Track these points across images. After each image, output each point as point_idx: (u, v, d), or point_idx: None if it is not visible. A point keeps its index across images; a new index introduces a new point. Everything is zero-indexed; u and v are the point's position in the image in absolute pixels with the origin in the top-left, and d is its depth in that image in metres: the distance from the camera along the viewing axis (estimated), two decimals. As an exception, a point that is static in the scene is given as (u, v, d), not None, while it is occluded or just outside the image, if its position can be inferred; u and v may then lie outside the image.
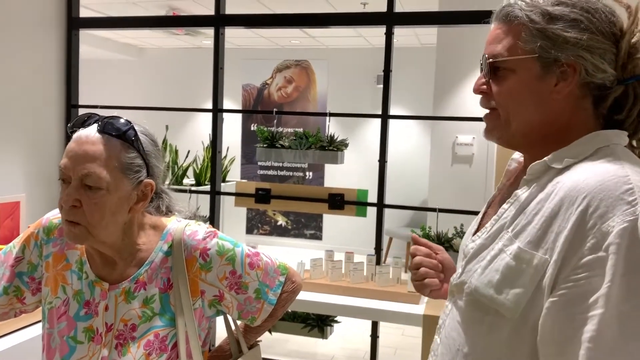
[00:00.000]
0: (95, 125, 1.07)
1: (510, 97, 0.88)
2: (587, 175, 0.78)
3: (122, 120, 1.08)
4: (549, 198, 0.80)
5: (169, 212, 1.22)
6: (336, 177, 6.68)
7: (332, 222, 6.90)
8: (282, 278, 1.24)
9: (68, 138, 2.90)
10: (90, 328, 1.11)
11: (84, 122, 1.08)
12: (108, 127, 1.06)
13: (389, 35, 2.78)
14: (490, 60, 0.88)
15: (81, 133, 1.06)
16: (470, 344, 0.87)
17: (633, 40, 0.83)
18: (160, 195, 1.20)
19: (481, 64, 0.92)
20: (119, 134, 1.06)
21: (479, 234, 0.92)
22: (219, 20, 2.99)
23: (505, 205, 0.89)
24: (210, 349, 1.33)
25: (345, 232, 6.60)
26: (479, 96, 0.94)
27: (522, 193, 0.87)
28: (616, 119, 0.87)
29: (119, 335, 1.10)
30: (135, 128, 1.09)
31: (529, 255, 0.79)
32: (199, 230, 1.16)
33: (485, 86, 0.91)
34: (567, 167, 0.83)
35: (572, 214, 0.76)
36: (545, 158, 0.85)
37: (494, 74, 0.89)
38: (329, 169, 6.87)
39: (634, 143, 0.89)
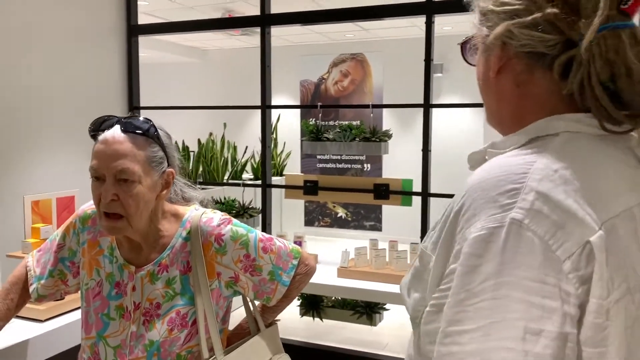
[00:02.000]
0: (117, 126, 1.19)
1: (478, 83, 0.80)
2: (480, 170, 0.67)
3: (141, 119, 1.21)
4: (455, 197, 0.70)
5: (184, 198, 1.35)
6: (395, 168, 6.68)
7: (391, 213, 6.92)
8: (295, 261, 1.34)
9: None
10: (120, 306, 1.25)
11: (102, 123, 1.21)
12: (131, 126, 1.19)
13: (429, 25, 2.79)
14: (464, 41, 0.83)
15: (106, 135, 1.18)
16: (413, 343, 0.79)
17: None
18: (175, 183, 1.32)
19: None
20: (143, 132, 1.19)
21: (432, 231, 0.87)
22: (264, 20, 3.12)
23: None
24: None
25: (403, 223, 6.59)
26: None
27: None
28: (570, 95, 0.69)
29: (146, 312, 1.23)
30: (155, 125, 1.22)
31: (427, 258, 0.71)
32: (214, 217, 1.28)
33: None
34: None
35: (452, 214, 0.66)
36: (485, 146, 0.75)
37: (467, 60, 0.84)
38: (387, 160, 6.88)
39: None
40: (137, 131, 1.19)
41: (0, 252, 2.03)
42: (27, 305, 2.00)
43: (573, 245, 0.58)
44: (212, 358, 1.24)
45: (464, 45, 0.83)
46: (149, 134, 1.20)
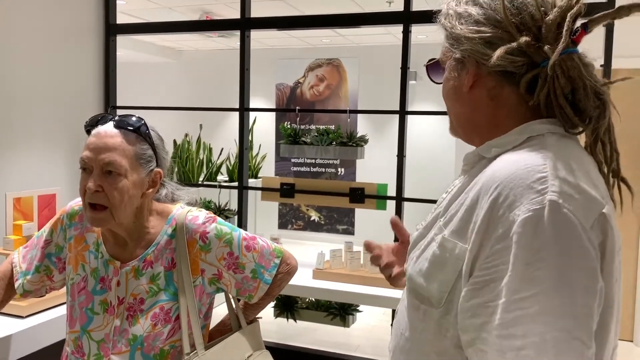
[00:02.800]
0: (111, 122, 1.24)
1: (445, 95, 0.94)
2: (504, 164, 0.78)
3: (134, 118, 1.25)
4: (473, 188, 0.81)
5: (172, 199, 1.37)
6: (368, 172, 6.77)
7: (363, 217, 7.00)
8: (277, 260, 1.38)
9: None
10: (104, 301, 1.27)
11: (98, 121, 1.25)
12: (124, 123, 1.23)
13: (406, 34, 2.87)
14: (428, 63, 0.98)
15: (99, 129, 1.23)
16: (410, 329, 0.89)
17: (513, 20, 0.82)
18: (164, 184, 1.36)
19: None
20: (134, 129, 1.23)
21: (422, 223, 0.95)
22: (244, 24, 3.15)
23: (443, 195, 0.93)
24: None
25: (376, 227, 6.68)
26: None
27: (458, 183, 0.90)
28: (537, 106, 0.84)
29: (129, 307, 1.25)
30: (147, 124, 1.25)
31: (451, 245, 0.81)
32: (199, 215, 1.31)
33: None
34: (496, 157, 0.83)
35: (485, 202, 0.76)
36: (477, 148, 0.88)
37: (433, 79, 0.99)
38: (361, 165, 6.97)
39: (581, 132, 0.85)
40: (129, 127, 1.22)
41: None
42: (11, 301, 2.00)
43: (593, 216, 0.73)
44: (193, 352, 1.26)
45: (430, 66, 0.98)
46: (140, 132, 1.24)
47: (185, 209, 1.34)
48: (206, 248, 1.29)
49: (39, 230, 2.14)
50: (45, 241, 1.40)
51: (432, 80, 0.99)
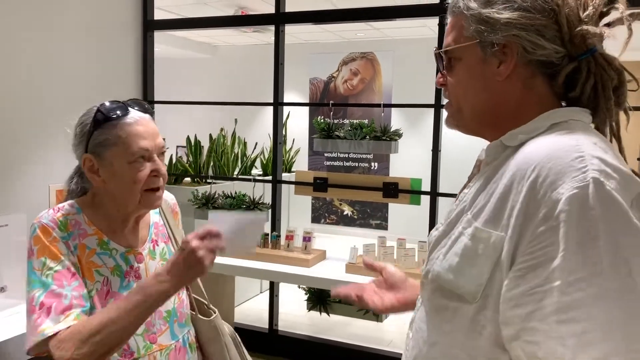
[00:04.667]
0: (133, 109, 1.23)
1: (458, 85, 0.90)
2: (537, 147, 0.77)
3: (143, 101, 1.30)
4: (503, 175, 0.79)
5: None
6: (401, 167, 6.71)
7: (397, 211, 6.95)
8: None
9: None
10: None
11: (119, 109, 1.21)
12: (146, 108, 1.27)
13: (441, 26, 2.83)
14: (439, 51, 0.91)
15: (135, 116, 1.21)
16: (436, 333, 0.85)
17: (566, 11, 0.80)
18: None
19: (436, 59, 0.94)
20: (152, 112, 1.28)
21: (441, 221, 0.92)
22: (279, 18, 3.16)
23: (465, 190, 0.90)
24: None
25: (410, 222, 6.63)
26: None
27: (481, 175, 0.87)
28: (572, 97, 0.85)
29: None
30: None
31: (485, 234, 0.78)
32: (168, 194, 1.41)
33: (442, 79, 0.93)
34: (522, 145, 0.81)
35: (523, 186, 0.74)
36: (501, 138, 0.85)
37: (448, 65, 0.91)
38: (394, 159, 6.92)
39: (600, 125, 0.86)
40: (149, 111, 1.27)
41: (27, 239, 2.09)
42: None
43: (631, 195, 0.72)
44: (214, 317, 1.38)
45: (443, 54, 0.91)
46: (153, 115, 1.29)
47: None
48: (180, 220, 1.45)
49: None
50: (70, 267, 1.18)
51: (441, 68, 0.93)
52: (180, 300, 1.33)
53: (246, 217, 1.27)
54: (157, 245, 1.34)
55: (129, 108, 1.22)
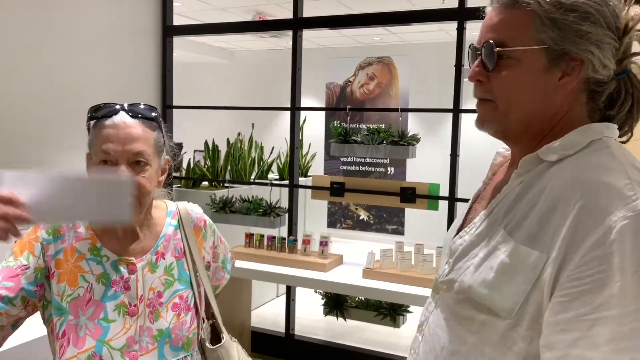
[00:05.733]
0: (123, 112, 1.18)
1: (512, 89, 0.83)
2: (584, 170, 0.76)
3: (146, 106, 1.22)
4: (544, 193, 0.77)
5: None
6: (418, 172, 6.68)
7: (413, 217, 6.91)
8: (229, 255, 1.45)
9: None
10: (122, 304, 1.20)
11: (105, 110, 1.18)
12: (140, 112, 1.20)
13: (460, 31, 2.82)
14: (497, 49, 0.82)
15: (115, 119, 1.16)
16: (457, 342, 0.84)
17: (635, 33, 0.80)
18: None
19: (476, 51, 0.86)
20: (151, 118, 1.21)
21: (466, 229, 0.89)
22: (297, 23, 3.18)
23: (495, 200, 0.86)
24: None
25: (426, 227, 6.58)
26: None
27: (514, 187, 0.84)
28: (608, 114, 0.85)
29: (150, 303, 1.22)
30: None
31: (525, 252, 0.76)
32: (195, 208, 1.38)
33: (481, 75, 0.86)
34: (560, 160, 0.80)
35: (570, 209, 0.73)
36: (537, 151, 0.82)
37: (496, 64, 0.83)
38: (410, 164, 6.88)
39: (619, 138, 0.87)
40: (146, 117, 1.20)
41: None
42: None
43: None
44: (230, 339, 1.32)
45: (487, 48, 0.83)
46: (157, 121, 1.23)
47: (180, 203, 1.37)
48: (205, 236, 1.36)
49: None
50: (23, 267, 1.17)
51: (487, 64, 0.84)
52: (179, 322, 1.24)
53: (72, 177, 1.00)
54: (164, 258, 1.27)
55: (119, 111, 1.18)
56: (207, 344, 1.29)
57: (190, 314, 1.27)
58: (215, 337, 1.33)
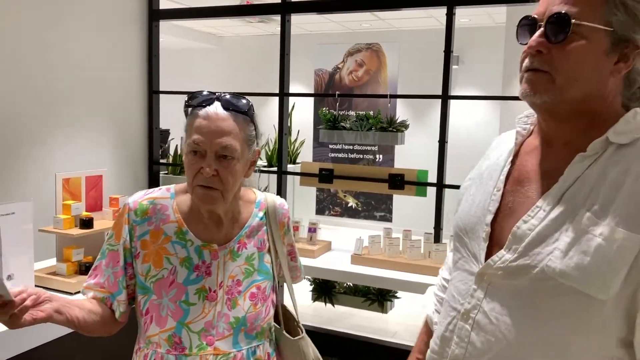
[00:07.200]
0: (218, 103, 1.19)
1: (575, 64, 0.83)
2: None
3: (243, 100, 1.22)
4: (629, 175, 0.79)
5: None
6: (406, 159, 6.69)
7: (401, 203, 6.94)
8: (296, 249, 1.45)
9: (150, 120, 3.24)
10: (203, 288, 1.23)
11: (202, 100, 1.20)
12: (233, 105, 1.20)
13: (449, 16, 2.80)
14: (574, 20, 0.81)
15: (208, 110, 1.18)
16: (538, 330, 0.83)
17: None
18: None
19: (538, 22, 0.85)
20: (244, 111, 1.21)
21: (530, 213, 0.87)
22: (285, 7, 3.14)
23: (561, 184, 0.85)
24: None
25: (414, 214, 6.62)
26: None
27: (583, 170, 0.84)
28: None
29: (228, 290, 1.24)
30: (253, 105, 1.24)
31: (621, 235, 0.77)
32: (283, 202, 1.38)
33: (544, 46, 0.84)
34: (631, 143, 0.82)
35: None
36: (606, 134, 0.83)
37: (563, 37, 0.82)
38: (399, 151, 6.90)
39: None
40: (239, 110, 1.20)
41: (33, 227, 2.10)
42: (60, 278, 2.05)
43: None
44: (298, 338, 1.34)
45: (558, 20, 0.83)
46: (249, 114, 1.22)
47: (268, 195, 1.37)
48: (288, 232, 1.38)
49: (87, 210, 2.22)
50: (119, 252, 1.26)
51: (548, 35, 0.83)
52: (256, 311, 1.26)
53: None
54: (246, 248, 1.28)
55: (213, 101, 1.19)
56: (288, 335, 1.33)
57: (267, 304, 1.29)
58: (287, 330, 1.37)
